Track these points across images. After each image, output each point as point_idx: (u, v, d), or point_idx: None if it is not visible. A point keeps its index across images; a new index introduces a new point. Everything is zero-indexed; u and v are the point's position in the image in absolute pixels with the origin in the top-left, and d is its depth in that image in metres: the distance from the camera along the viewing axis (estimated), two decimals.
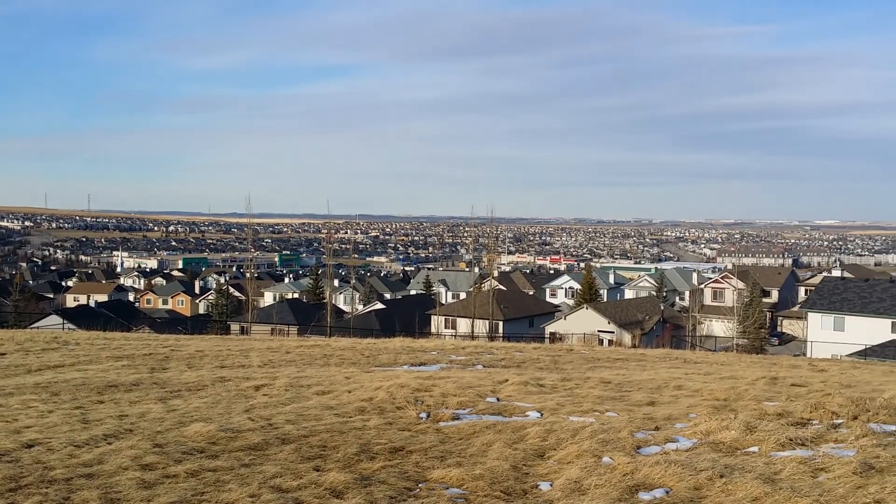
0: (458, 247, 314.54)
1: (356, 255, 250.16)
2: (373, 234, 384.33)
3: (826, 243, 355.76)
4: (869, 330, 54.24)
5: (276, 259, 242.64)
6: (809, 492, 7.14)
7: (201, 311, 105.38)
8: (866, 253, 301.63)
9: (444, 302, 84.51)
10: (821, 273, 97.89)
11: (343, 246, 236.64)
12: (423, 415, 11.04)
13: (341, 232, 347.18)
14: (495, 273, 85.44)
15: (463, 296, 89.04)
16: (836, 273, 79.40)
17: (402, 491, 7.33)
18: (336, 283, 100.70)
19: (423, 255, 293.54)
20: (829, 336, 55.27)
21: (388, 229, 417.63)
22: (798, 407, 11.50)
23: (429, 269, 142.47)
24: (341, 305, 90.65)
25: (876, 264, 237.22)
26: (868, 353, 46.83)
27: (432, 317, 63.76)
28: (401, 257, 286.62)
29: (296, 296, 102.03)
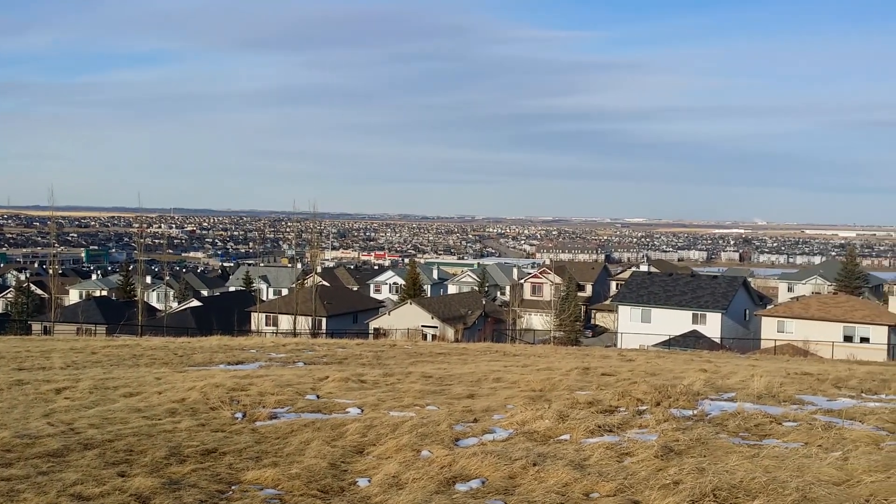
0: (281, 242, 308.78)
1: (171, 251, 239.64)
2: (189, 228, 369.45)
3: (635, 240, 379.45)
4: (672, 321, 58.29)
5: (83, 254, 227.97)
6: (615, 476, 7.46)
7: None
8: (671, 249, 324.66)
9: (264, 299, 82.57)
10: (630, 268, 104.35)
11: (156, 241, 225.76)
12: (239, 415, 10.65)
13: (155, 226, 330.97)
14: (318, 269, 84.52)
15: (285, 292, 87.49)
16: (644, 268, 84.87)
17: (214, 494, 7.05)
18: (149, 279, 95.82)
19: (243, 251, 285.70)
20: (638, 327, 58.90)
21: (205, 224, 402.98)
22: (607, 395, 12.07)
23: (249, 264, 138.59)
24: (154, 303, 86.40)
25: (679, 260, 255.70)
26: (671, 342, 50.37)
27: (252, 314, 62.18)
28: (219, 253, 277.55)
29: (104, 293, 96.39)
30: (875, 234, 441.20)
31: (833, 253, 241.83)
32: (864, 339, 53.26)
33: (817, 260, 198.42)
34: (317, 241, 77.50)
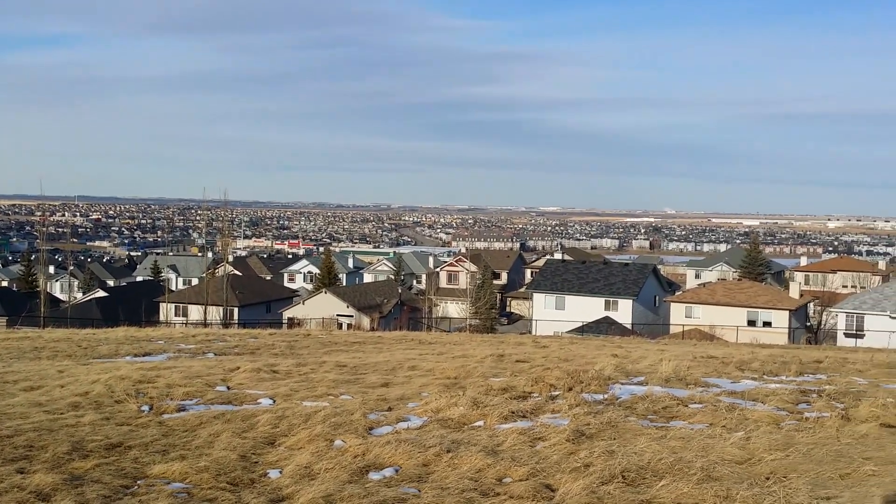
0: (191, 231, 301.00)
1: (75, 240, 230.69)
2: (94, 216, 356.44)
3: (550, 228, 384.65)
4: (586, 308, 59.40)
5: None
6: (528, 460, 7.53)
7: None
8: (584, 237, 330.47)
9: (174, 288, 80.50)
10: (545, 256, 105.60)
11: (60, 230, 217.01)
12: (146, 407, 10.33)
13: (58, 214, 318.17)
14: (230, 258, 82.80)
15: (195, 282, 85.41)
16: (558, 256, 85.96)
17: (118, 489, 6.82)
18: (52, 269, 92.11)
19: (151, 240, 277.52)
20: (552, 314, 59.80)
21: (111, 212, 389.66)
22: (521, 381, 12.18)
23: (158, 254, 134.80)
24: (58, 294, 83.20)
25: (592, 248, 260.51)
26: (585, 329, 51.33)
27: (161, 305, 60.52)
28: (126, 242, 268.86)
29: (5, 284, 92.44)
30: (777, 223, 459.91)
31: (738, 241, 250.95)
32: (767, 324, 55.49)
33: (723, 248, 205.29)
34: (228, 230, 75.80)
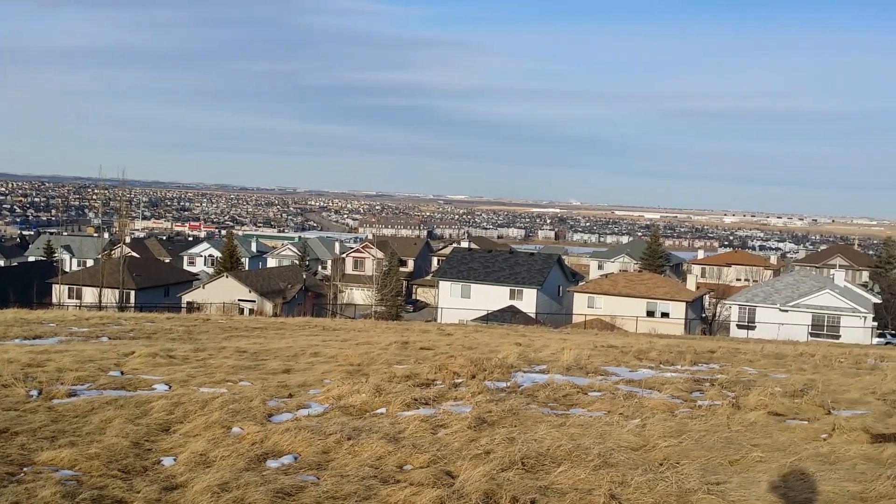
0: (87, 210, 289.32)
1: None
2: None
3: (457, 217, 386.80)
4: (491, 296, 60.05)
5: None
6: (429, 447, 7.51)
7: None
8: (491, 227, 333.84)
9: (68, 270, 77.22)
10: (451, 244, 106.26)
11: None
12: (34, 392, 9.84)
13: None
14: (127, 239, 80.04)
15: (91, 263, 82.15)
16: (465, 244, 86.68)
17: (3, 477, 6.51)
18: None
19: (45, 219, 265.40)
20: (458, 302, 60.21)
21: (2, 189, 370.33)
22: (425, 369, 12.18)
23: (51, 233, 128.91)
24: None
25: (499, 237, 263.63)
26: (490, 317, 51.89)
27: (54, 286, 58.03)
28: (18, 220, 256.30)
29: None
30: (677, 217, 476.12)
31: (640, 233, 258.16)
32: (665, 314, 57.37)
33: (625, 240, 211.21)
34: (126, 210, 73.03)
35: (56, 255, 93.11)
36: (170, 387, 10.70)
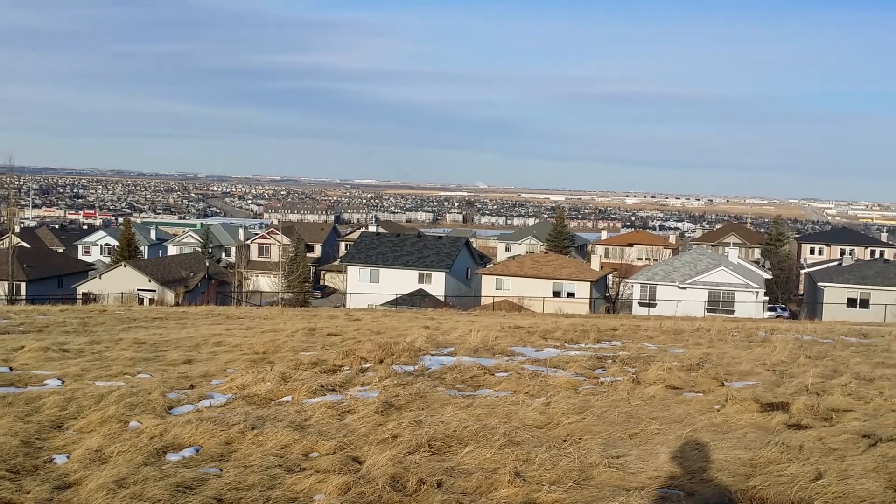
0: None
1: None
2: None
3: (365, 201, 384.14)
4: (400, 280, 60.03)
5: None
6: (335, 434, 7.44)
7: None
8: (399, 210, 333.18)
9: None
10: (360, 229, 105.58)
11: None
12: None
13: None
14: (17, 228, 76.23)
15: None
16: (373, 229, 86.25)
17: None
18: None
19: None
20: (367, 287, 59.95)
21: None
22: (332, 355, 12.07)
23: None
24: None
25: (407, 221, 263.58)
26: (399, 301, 51.89)
27: None
28: None
29: None
30: (581, 199, 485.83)
31: (545, 215, 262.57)
32: (571, 294, 58.60)
33: (532, 222, 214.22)
34: (14, 198, 69.57)
35: None
36: (63, 382, 10.26)
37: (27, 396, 9.17)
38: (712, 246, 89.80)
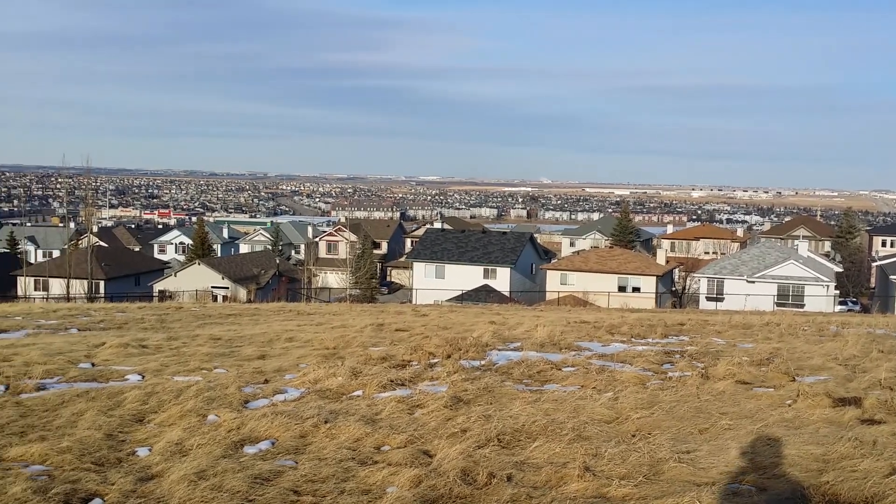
0: (50, 200, 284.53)
1: None
2: None
3: (429, 198, 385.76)
4: (465, 276, 60.15)
5: None
6: (406, 428, 7.57)
7: None
8: (463, 206, 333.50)
9: (33, 261, 76.28)
10: (425, 225, 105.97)
11: None
12: (1, 387, 9.73)
13: None
14: (95, 228, 78.97)
15: (57, 254, 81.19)
16: (438, 225, 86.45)
17: None
18: None
19: (6, 209, 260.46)
20: (432, 283, 60.23)
21: None
22: (400, 350, 12.22)
23: (14, 224, 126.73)
24: None
25: (471, 217, 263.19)
26: (464, 297, 52.03)
27: (19, 278, 57.23)
28: None
29: None
30: (646, 192, 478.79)
31: (610, 210, 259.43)
32: (636, 289, 57.86)
33: (596, 216, 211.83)
34: (92, 199, 72.03)
35: (20, 246, 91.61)
36: (143, 377, 10.63)
37: (109, 391, 9.54)
38: (781, 239, 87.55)
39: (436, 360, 11.37)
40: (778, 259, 56.77)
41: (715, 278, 57.18)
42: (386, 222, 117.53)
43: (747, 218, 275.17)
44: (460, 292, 54.45)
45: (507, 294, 56.07)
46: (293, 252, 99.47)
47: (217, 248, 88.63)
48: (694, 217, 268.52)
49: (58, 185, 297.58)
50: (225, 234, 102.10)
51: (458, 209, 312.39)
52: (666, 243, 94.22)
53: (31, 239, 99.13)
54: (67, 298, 45.51)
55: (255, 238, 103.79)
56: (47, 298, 48.28)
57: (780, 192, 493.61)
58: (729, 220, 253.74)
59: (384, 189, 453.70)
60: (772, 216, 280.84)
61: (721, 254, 78.83)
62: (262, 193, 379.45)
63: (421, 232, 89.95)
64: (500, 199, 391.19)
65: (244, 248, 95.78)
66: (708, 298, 55.85)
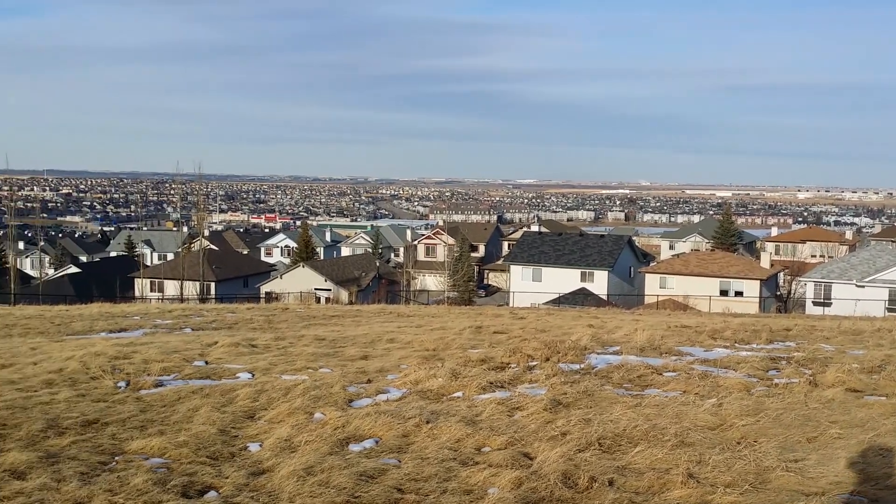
0: (165, 205, 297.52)
1: (45, 215, 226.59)
2: (64, 191, 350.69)
3: (526, 201, 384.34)
4: (562, 279, 59.80)
5: None
6: (506, 430, 7.64)
7: None
8: (560, 209, 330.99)
9: (149, 264, 79.87)
10: (522, 228, 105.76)
11: (29, 205, 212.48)
12: (122, 384, 10.27)
13: (26, 189, 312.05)
14: (206, 232, 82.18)
15: (171, 257, 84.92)
16: (535, 228, 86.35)
17: (96, 466, 6.76)
18: (21, 245, 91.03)
19: (124, 215, 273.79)
20: (529, 286, 60.10)
21: (82, 186, 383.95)
22: (499, 352, 12.29)
23: (131, 228, 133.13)
24: (28, 271, 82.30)
25: (568, 220, 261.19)
26: (561, 300, 51.71)
27: (136, 280, 60.09)
28: (98, 217, 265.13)
29: None
30: (749, 194, 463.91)
31: (711, 212, 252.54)
32: (739, 293, 56.19)
33: (696, 218, 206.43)
34: (203, 204, 75.05)
35: (137, 249, 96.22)
36: (253, 375, 11.03)
37: (222, 388, 9.97)
38: (893, 242, 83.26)
39: (534, 363, 11.39)
40: (889, 263, 54.10)
41: (822, 282, 54.95)
42: (483, 225, 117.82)
43: (856, 220, 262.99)
44: (557, 295, 54.12)
45: (604, 297, 55.37)
46: (392, 255, 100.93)
47: (320, 251, 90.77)
48: (799, 219, 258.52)
49: (172, 191, 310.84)
50: (327, 237, 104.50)
51: (555, 212, 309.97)
52: (770, 246, 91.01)
53: (147, 242, 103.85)
54: (181, 299, 47.54)
55: (356, 241, 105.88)
56: (162, 299, 50.59)
57: (891, 193, 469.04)
58: (837, 223, 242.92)
59: (481, 192, 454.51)
60: (882, 218, 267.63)
61: (829, 257, 75.66)
62: (363, 197, 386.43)
63: (518, 235, 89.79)
64: (597, 202, 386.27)
65: (345, 251, 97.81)
66: (815, 303, 53.72)
